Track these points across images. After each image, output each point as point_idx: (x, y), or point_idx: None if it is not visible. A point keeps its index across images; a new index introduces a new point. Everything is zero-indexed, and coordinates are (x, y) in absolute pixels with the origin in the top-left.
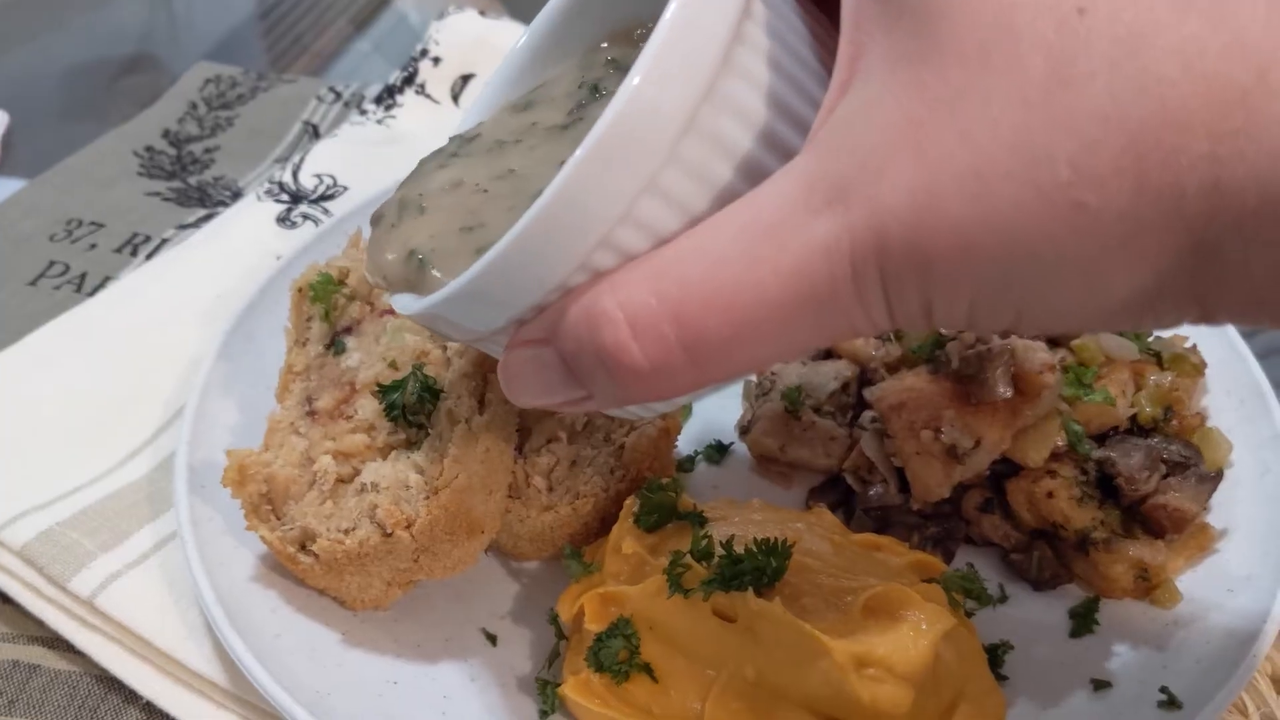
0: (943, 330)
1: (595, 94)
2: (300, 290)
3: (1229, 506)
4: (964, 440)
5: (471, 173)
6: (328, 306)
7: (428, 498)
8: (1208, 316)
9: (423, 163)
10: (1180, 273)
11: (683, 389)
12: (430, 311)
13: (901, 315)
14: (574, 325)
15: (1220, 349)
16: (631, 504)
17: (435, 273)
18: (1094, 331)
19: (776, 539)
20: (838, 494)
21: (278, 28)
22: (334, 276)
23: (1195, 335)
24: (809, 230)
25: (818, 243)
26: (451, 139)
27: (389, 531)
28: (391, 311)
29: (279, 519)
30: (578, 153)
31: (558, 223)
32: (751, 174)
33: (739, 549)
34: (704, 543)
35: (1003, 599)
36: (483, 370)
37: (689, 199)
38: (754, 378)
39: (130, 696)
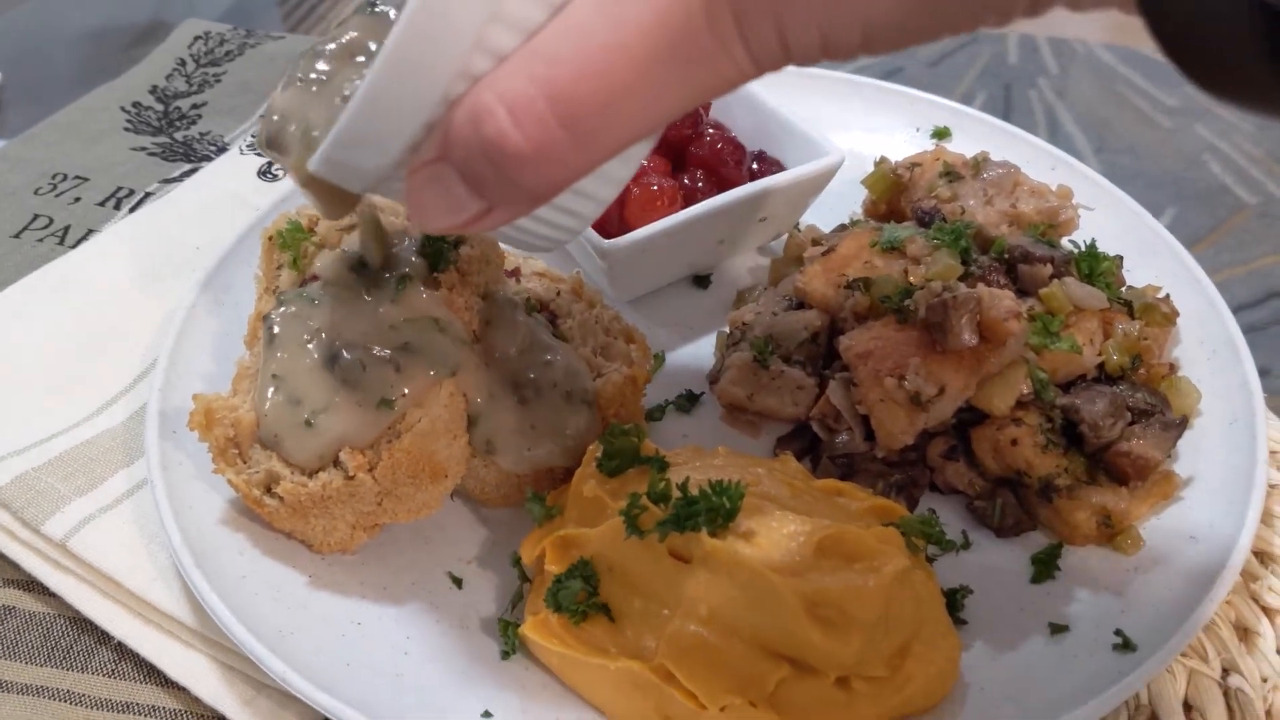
0: (800, 64)
1: None
2: (270, 238)
3: (1195, 455)
4: (928, 387)
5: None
6: (296, 254)
7: (390, 441)
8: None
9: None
10: None
11: (573, 171)
12: (327, 156)
13: (759, 49)
14: (460, 130)
15: (1195, 300)
16: (595, 449)
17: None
18: (938, 37)
19: (730, 480)
20: (804, 442)
21: None
22: (303, 225)
23: (1169, 286)
24: None
25: None
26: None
27: (351, 474)
28: None
29: (245, 462)
30: None
31: (426, 32)
32: None
33: (694, 491)
34: (661, 485)
35: (965, 545)
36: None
37: None
38: (726, 328)
39: (102, 638)
